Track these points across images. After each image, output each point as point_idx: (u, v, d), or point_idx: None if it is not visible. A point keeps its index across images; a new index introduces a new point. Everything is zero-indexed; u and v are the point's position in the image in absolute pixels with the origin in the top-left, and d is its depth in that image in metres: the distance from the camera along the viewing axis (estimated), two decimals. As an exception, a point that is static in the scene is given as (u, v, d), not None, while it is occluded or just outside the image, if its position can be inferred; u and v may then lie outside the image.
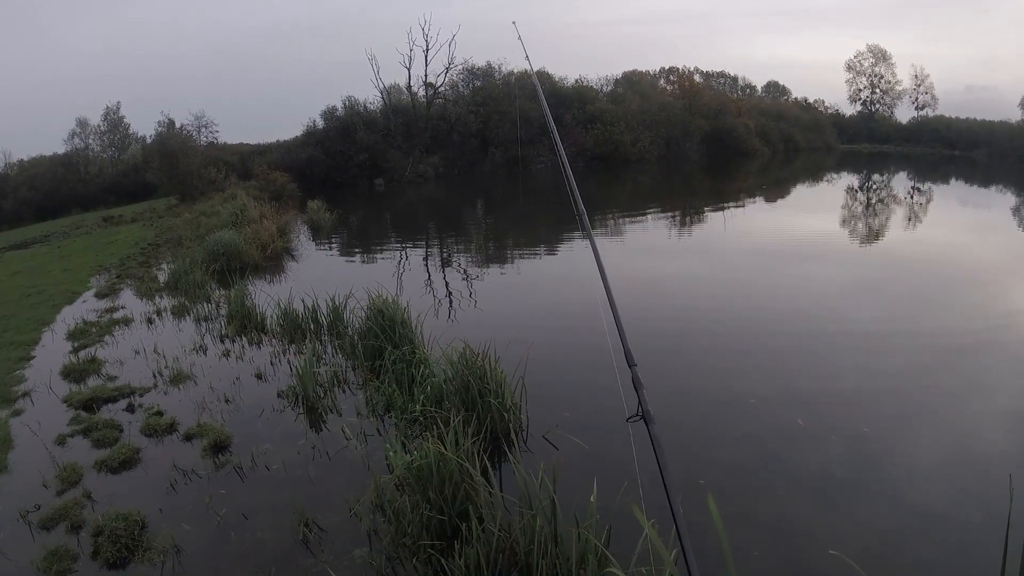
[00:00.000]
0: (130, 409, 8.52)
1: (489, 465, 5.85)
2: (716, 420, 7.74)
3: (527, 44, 7.22)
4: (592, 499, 4.85)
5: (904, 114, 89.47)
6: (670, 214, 27.55)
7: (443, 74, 54.24)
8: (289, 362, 9.91)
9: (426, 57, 53.14)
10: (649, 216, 26.39)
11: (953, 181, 47.47)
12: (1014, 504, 3.84)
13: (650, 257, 17.78)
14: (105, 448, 7.40)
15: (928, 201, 34.01)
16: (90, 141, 58.22)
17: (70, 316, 13.50)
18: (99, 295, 15.55)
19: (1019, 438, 7.27)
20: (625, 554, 4.48)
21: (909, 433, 7.34)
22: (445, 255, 20.65)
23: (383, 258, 20.35)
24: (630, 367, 3.38)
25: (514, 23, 7.41)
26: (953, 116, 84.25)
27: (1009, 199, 35.80)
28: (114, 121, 59.06)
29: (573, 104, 56.45)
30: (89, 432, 7.81)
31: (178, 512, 6.10)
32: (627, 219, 25.37)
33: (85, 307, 14.38)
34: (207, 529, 5.83)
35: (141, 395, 9.00)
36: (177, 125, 48.54)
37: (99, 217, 35.56)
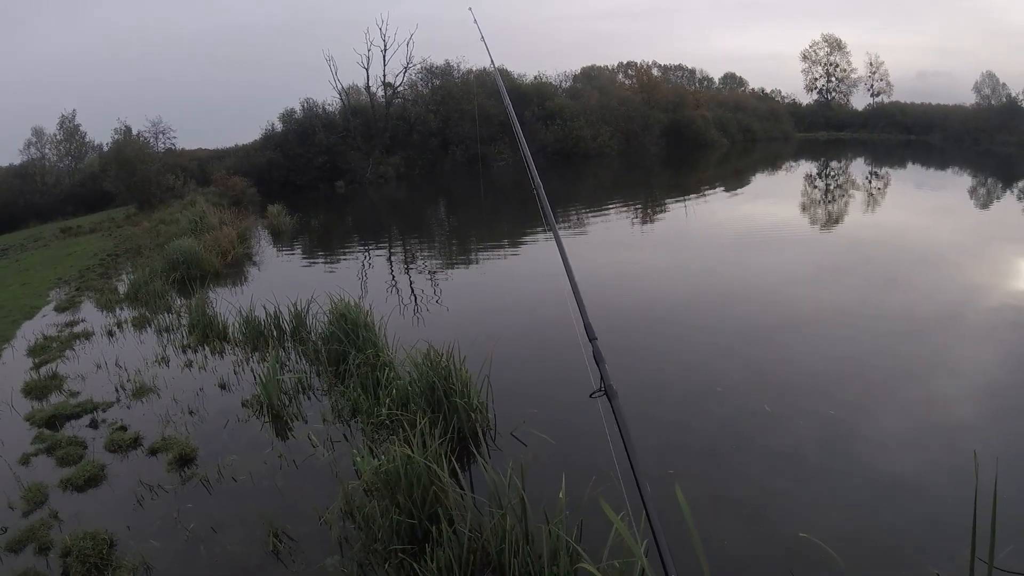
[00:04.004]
0: (93, 425, 8.41)
1: (457, 466, 5.86)
2: (684, 410, 7.77)
3: (485, 37, 7.21)
4: (561, 495, 4.88)
5: (860, 101, 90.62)
6: (632, 207, 27.60)
7: (402, 73, 54.32)
8: (252, 370, 9.83)
9: (384, 57, 53.05)
10: (611, 210, 26.38)
11: (910, 165, 48.08)
12: (980, 480, 3.90)
13: (614, 251, 17.79)
14: (70, 466, 7.30)
15: (886, 185, 34.40)
16: (46, 151, 57.23)
17: (30, 331, 13.29)
18: (59, 309, 15.33)
19: (983, 412, 7.40)
20: (598, 547, 4.49)
21: (875, 414, 7.43)
22: (409, 256, 20.57)
23: (346, 261, 20.25)
24: (591, 340, 3.34)
25: (470, 9, 7.41)
26: (908, 102, 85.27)
27: (965, 180, 36.33)
28: (70, 130, 58.09)
29: (532, 101, 56.40)
30: (53, 450, 7.70)
31: (146, 528, 6.02)
32: (590, 214, 25.39)
33: (45, 322, 14.18)
34: (176, 544, 5.77)
35: (104, 410, 8.87)
36: (134, 132, 47.92)
37: (57, 228, 35.08)
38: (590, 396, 2.98)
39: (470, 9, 7.43)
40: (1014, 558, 4.26)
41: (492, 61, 6.98)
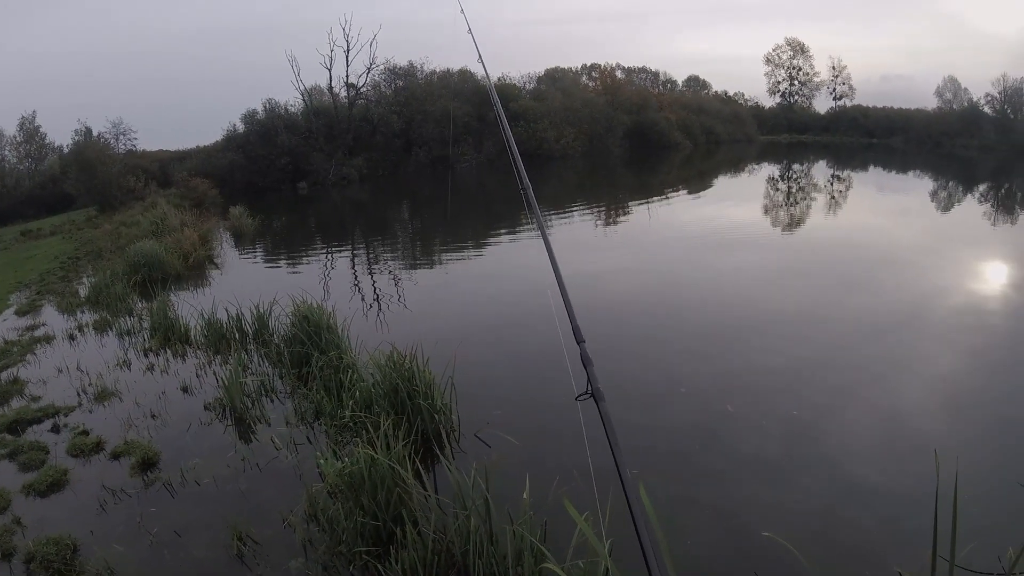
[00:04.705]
0: (55, 430, 8.34)
1: (422, 468, 5.84)
2: (648, 410, 7.84)
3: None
4: (525, 495, 4.91)
5: (822, 104, 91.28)
6: (596, 209, 27.69)
7: (365, 74, 53.86)
8: (215, 373, 9.77)
9: (347, 57, 52.68)
10: (575, 212, 26.44)
11: (872, 168, 48.64)
12: (941, 479, 3.98)
13: (577, 253, 17.80)
14: (32, 471, 7.25)
15: (848, 188, 34.80)
16: (6, 152, 56.27)
17: (-10, 336, 13.13)
18: (19, 313, 15.16)
19: (942, 411, 7.58)
20: (563, 547, 4.53)
21: (838, 413, 7.59)
22: (372, 258, 20.51)
23: (308, 263, 20.21)
24: (578, 343, 3.38)
25: (462, 11, 7.45)
26: (870, 105, 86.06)
27: (926, 184, 36.87)
28: (30, 131, 57.01)
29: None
30: (15, 455, 7.63)
31: (109, 533, 5.99)
32: (553, 215, 25.37)
33: (6, 326, 13.99)
34: (140, 549, 5.75)
35: (66, 415, 8.78)
36: (95, 133, 47.42)
37: (17, 232, 34.60)
38: (576, 399, 3.01)
39: (462, 11, 7.45)
40: (975, 556, 4.31)
41: (481, 59, 6.98)
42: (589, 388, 3.02)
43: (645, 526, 2.24)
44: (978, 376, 8.62)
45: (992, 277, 13.81)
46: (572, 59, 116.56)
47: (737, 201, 29.32)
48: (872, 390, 8.21)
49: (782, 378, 8.64)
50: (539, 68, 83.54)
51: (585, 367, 3.13)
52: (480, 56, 6.96)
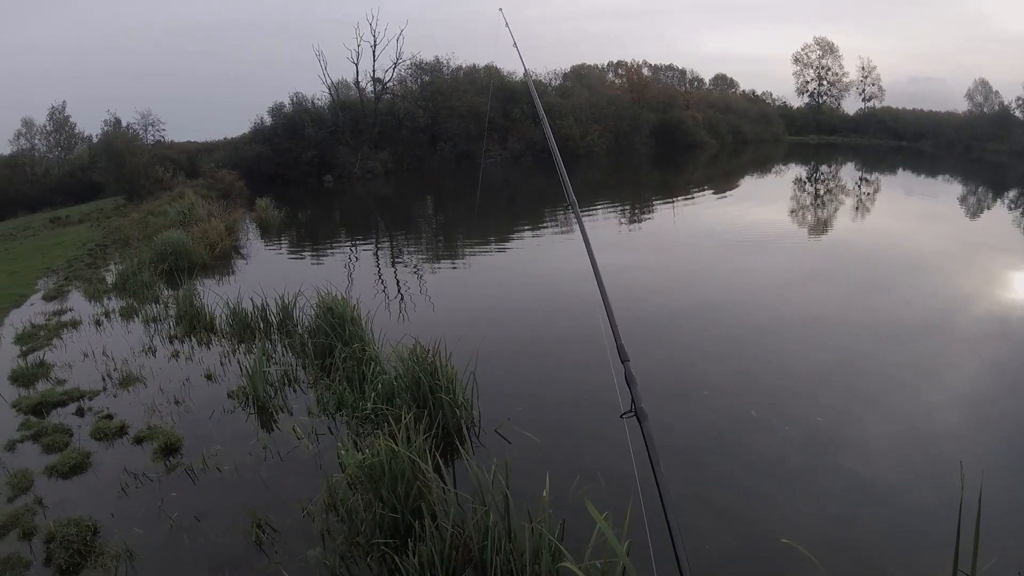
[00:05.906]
0: (80, 413, 8.41)
1: (442, 462, 5.83)
2: (668, 411, 7.77)
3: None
4: (545, 493, 4.88)
5: (851, 105, 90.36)
6: (620, 207, 27.60)
7: (391, 69, 54.21)
8: (239, 362, 9.83)
9: (374, 52, 53.02)
10: (599, 210, 26.32)
11: (900, 171, 48.16)
12: (966, 490, 3.92)
13: (600, 251, 17.73)
14: (55, 453, 7.31)
15: (876, 191, 34.46)
16: (36, 141, 56.83)
17: (18, 319, 13.27)
18: (47, 298, 15.30)
19: (966, 421, 7.46)
20: (581, 547, 4.49)
21: (861, 420, 7.48)
22: (396, 252, 20.56)
23: (333, 256, 20.28)
24: (623, 362, 3.37)
25: (500, 9, 7.48)
26: (900, 107, 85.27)
27: (956, 188, 36.42)
28: (60, 121, 57.68)
29: (522, 99, 56.22)
30: (39, 437, 7.70)
31: (130, 516, 6.04)
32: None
33: (33, 310, 14.13)
34: (159, 533, 5.79)
35: (91, 398, 8.87)
36: (123, 124, 47.87)
37: (46, 219, 34.91)
38: (620, 416, 3.01)
39: (500, 9, 7.48)
40: (996, 571, 4.27)
41: (519, 52, 6.99)
42: (632, 407, 3.02)
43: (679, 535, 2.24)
44: (1004, 386, 8.47)
45: (1021, 286, 13.65)
46: (598, 56, 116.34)
47: (763, 202, 29.14)
48: (896, 397, 8.11)
49: (805, 383, 8.57)
50: (565, 64, 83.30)
51: (629, 387, 3.14)
52: (525, 68, 6.96)
